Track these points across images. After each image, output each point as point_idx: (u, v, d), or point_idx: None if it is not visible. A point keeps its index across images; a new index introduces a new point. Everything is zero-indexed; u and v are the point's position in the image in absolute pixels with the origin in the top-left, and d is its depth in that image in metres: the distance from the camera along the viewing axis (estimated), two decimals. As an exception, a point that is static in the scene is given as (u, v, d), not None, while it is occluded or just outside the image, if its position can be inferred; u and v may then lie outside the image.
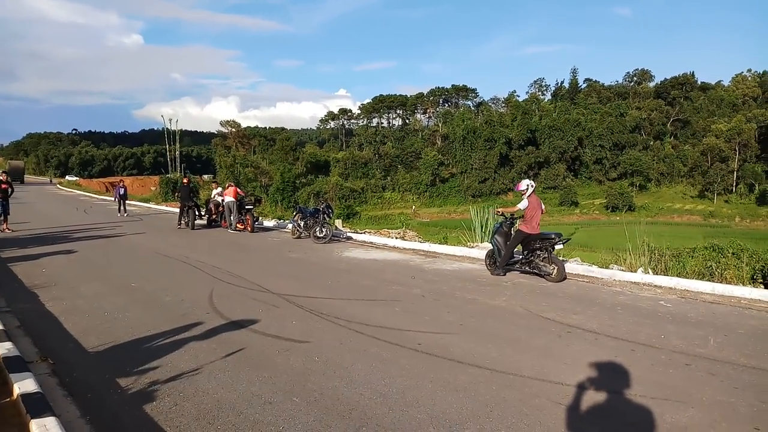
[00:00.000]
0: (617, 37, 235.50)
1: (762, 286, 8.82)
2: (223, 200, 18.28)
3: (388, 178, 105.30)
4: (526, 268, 9.63)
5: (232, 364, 5.20)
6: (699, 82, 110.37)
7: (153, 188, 57.79)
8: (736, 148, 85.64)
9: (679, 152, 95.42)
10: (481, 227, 14.09)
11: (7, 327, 6.15)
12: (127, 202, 26.26)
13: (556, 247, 9.35)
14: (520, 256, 9.74)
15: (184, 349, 5.64)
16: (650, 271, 9.81)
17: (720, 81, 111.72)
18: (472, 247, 12.88)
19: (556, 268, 9.24)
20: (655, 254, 10.55)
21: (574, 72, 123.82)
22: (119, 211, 24.67)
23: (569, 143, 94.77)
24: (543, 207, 9.77)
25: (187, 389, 4.60)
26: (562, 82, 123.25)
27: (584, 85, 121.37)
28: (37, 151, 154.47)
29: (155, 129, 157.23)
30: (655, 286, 8.91)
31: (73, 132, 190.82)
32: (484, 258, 10.61)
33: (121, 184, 26.46)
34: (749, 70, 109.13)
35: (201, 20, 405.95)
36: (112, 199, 29.90)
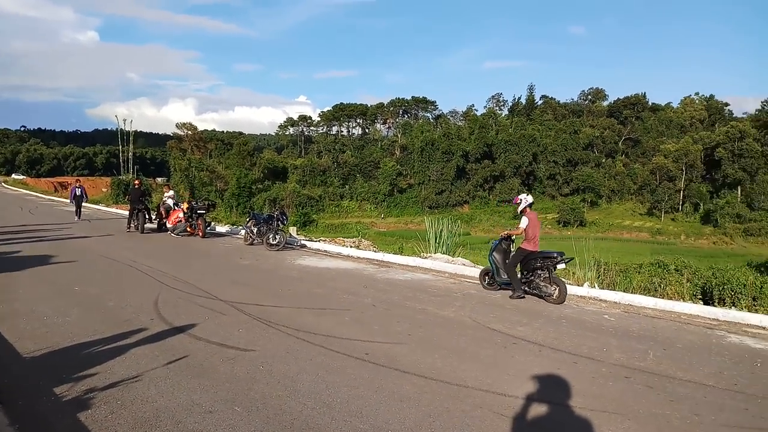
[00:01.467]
0: (573, 56, 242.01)
1: (701, 302, 9.18)
2: (174, 204, 17.95)
3: (347, 186, 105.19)
4: (526, 288, 9.16)
5: (174, 371, 5.09)
6: (650, 103, 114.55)
7: (104, 189, 56.25)
8: (683, 168, 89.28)
9: (629, 170, 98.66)
10: (435, 238, 14.20)
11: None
12: (75, 201, 22.92)
13: (558, 266, 8.96)
14: (520, 277, 9.29)
15: (125, 355, 5.49)
16: (596, 285, 10.09)
17: (669, 103, 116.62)
18: (425, 257, 12.99)
19: (557, 288, 8.79)
20: (602, 269, 10.86)
21: (531, 88, 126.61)
22: (76, 215, 22.30)
23: (524, 158, 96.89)
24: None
25: (125, 397, 4.48)
26: (519, 98, 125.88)
27: (540, 101, 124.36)
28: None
29: (109, 129, 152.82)
30: (601, 300, 9.16)
31: (22, 129, 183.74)
32: (479, 277, 10.16)
33: (77, 184, 23.39)
34: (697, 94, 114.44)
35: (160, 20, 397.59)
36: (68, 200, 28.05)
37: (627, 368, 5.66)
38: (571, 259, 9.21)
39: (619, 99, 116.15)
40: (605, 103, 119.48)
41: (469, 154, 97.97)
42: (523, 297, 9.06)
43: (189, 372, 5.09)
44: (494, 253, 9.64)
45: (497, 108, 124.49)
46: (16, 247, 13.28)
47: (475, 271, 11.06)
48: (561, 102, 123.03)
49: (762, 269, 19.29)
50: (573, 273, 11.01)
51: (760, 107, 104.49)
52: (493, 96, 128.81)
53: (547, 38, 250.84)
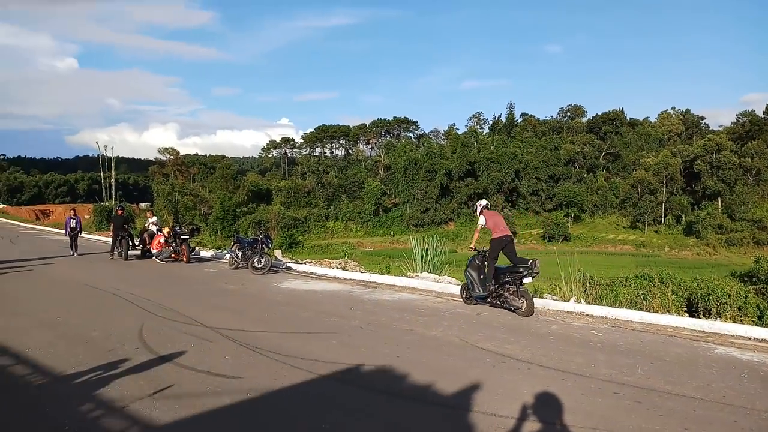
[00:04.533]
0: (550, 73, 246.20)
1: (686, 315, 9.25)
2: (157, 230, 17.81)
3: (332, 207, 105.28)
4: (497, 302, 9.48)
5: (161, 401, 5.01)
6: (628, 118, 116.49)
7: (87, 216, 55.62)
8: (664, 181, 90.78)
9: (611, 185, 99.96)
10: (422, 257, 14.20)
11: None
12: (72, 232, 19.63)
13: (524, 280, 9.15)
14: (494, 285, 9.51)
15: (109, 386, 5.40)
16: (583, 300, 10.14)
17: (647, 117, 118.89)
18: (412, 277, 12.98)
19: (524, 301, 9.01)
20: (588, 283, 10.91)
21: (511, 106, 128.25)
22: (71, 249, 19.27)
23: (507, 175, 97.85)
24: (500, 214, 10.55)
25: (111, 429, 4.40)
26: (500, 116, 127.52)
27: (520, 119, 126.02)
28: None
29: (90, 155, 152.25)
30: (587, 315, 9.19)
31: (1, 157, 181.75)
32: (459, 292, 10.43)
33: (72, 213, 20.67)
34: (673, 108, 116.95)
35: (139, 45, 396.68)
36: (50, 228, 25.24)
37: (616, 383, 5.66)
38: (538, 272, 9.32)
39: (597, 115, 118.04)
40: (584, 119, 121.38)
41: (452, 172, 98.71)
42: (487, 299, 9.58)
43: (175, 401, 5.01)
44: (469, 269, 9.95)
45: (478, 126, 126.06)
46: (-4, 278, 13.06)
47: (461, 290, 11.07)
48: (541, 119, 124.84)
49: (745, 279, 19.57)
50: (559, 288, 11.06)
51: (735, 120, 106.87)
52: (473, 115, 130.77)
53: (524, 57, 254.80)
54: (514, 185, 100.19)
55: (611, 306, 9.56)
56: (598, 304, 9.77)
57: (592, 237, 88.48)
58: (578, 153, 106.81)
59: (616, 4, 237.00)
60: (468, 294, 10.06)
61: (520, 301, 9.04)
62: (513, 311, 9.16)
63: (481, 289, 9.60)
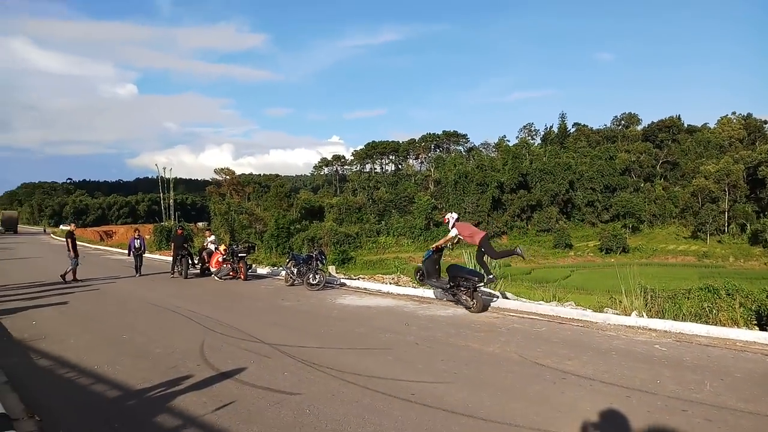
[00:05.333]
0: (602, 82, 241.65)
1: (756, 328, 8.80)
2: (216, 248, 18.29)
3: (383, 222, 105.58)
4: (450, 296, 11.32)
5: (223, 418, 5.12)
6: (686, 125, 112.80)
7: (147, 236, 57.67)
8: (726, 189, 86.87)
9: (669, 194, 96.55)
10: (475, 272, 14.03)
11: (-7, 383, 6.06)
12: (137, 252, 19.60)
13: (479, 288, 10.67)
14: (448, 283, 11.09)
15: (173, 402, 5.56)
16: (644, 314, 9.79)
17: (706, 123, 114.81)
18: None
19: (476, 302, 10.54)
20: (649, 296, 10.53)
21: (563, 116, 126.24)
22: (135, 269, 19.33)
23: (560, 186, 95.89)
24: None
25: (175, 445, 4.52)
26: (551, 127, 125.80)
27: (573, 129, 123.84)
28: (32, 201, 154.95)
29: (150, 177, 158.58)
30: (650, 329, 8.86)
31: (68, 181, 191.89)
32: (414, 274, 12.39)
33: (136, 234, 20.32)
34: (734, 113, 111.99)
35: (194, 70, 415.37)
36: (113, 248, 24.51)
37: (683, 401, 5.43)
38: (492, 280, 10.83)
39: (653, 122, 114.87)
40: (639, 128, 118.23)
41: (503, 184, 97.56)
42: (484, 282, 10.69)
43: (237, 418, 5.12)
44: (426, 262, 11.66)
45: (529, 137, 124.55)
46: (66, 297, 13.66)
47: (519, 305, 10.89)
48: (594, 128, 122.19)
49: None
50: (619, 302, 10.72)
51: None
52: (524, 126, 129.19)
53: (575, 66, 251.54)
54: (568, 196, 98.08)
55: (674, 320, 9.18)
56: (660, 318, 9.41)
57: (652, 248, 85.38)
58: (634, 162, 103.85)
59: (667, 8, 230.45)
60: (421, 277, 11.83)
61: (472, 302, 10.57)
62: (467, 309, 10.69)
63: (434, 279, 11.59)
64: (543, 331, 8.95)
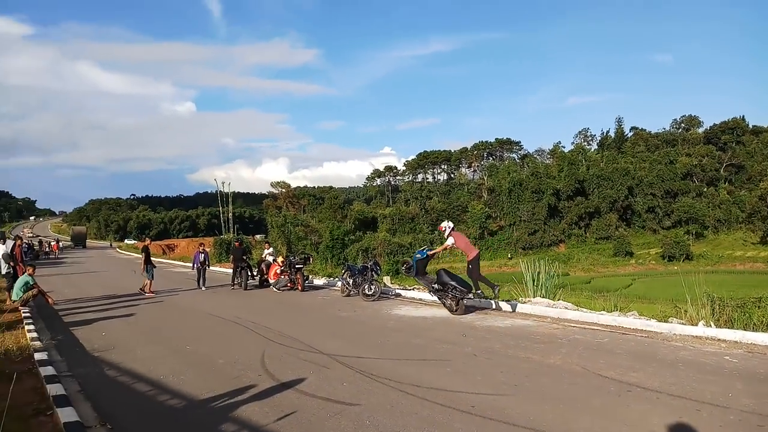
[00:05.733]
0: (661, 84, 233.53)
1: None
2: (273, 259, 18.67)
3: (436, 232, 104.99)
4: (435, 297, 12.49)
5: (285, 427, 5.20)
6: (750, 126, 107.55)
7: (207, 249, 59.36)
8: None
9: (735, 198, 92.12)
10: (533, 281, 13.77)
11: (68, 391, 6.35)
12: (200, 266, 19.80)
13: (463, 299, 11.78)
14: (436, 285, 12.13)
15: (236, 412, 5.68)
16: (712, 323, 9.35)
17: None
18: (524, 302, 12.61)
19: (459, 308, 11.73)
20: (717, 305, 10.06)
21: (620, 121, 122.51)
22: (199, 283, 19.52)
23: (619, 192, 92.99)
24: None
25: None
26: (608, 132, 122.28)
27: (630, 133, 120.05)
28: (98, 217, 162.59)
29: (209, 192, 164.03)
30: (719, 339, 8.46)
31: (132, 197, 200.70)
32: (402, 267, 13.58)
33: (201, 248, 20.56)
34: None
35: (250, 87, 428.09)
36: (190, 265, 24.05)
37: (759, 415, 5.14)
38: (478, 293, 12.16)
39: (715, 124, 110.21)
40: (701, 130, 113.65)
41: (560, 191, 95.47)
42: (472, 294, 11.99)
43: (298, 428, 5.18)
44: (418, 262, 12.94)
45: (585, 143, 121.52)
46: (132, 309, 14.20)
47: (580, 315, 10.63)
48: (652, 132, 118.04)
49: None
50: (685, 311, 10.28)
51: None
52: (580, 131, 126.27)
53: (632, 69, 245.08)
54: (627, 203, 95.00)
55: (745, 329, 8.73)
56: (729, 328, 8.96)
57: (717, 255, 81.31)
58: (696, 166, 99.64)
59: (728, 6, 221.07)
60: (408, 270, 13.29)
61: (456, 308, 11.74)
62: (450, 312, 11.81)
63: (421, 277, 13.01)
64: (605, 342, 8.69)
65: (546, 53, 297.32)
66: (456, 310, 11.70)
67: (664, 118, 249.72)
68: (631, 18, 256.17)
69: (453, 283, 11.74)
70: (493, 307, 12.30)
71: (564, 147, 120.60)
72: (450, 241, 12.33)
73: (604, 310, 11.25)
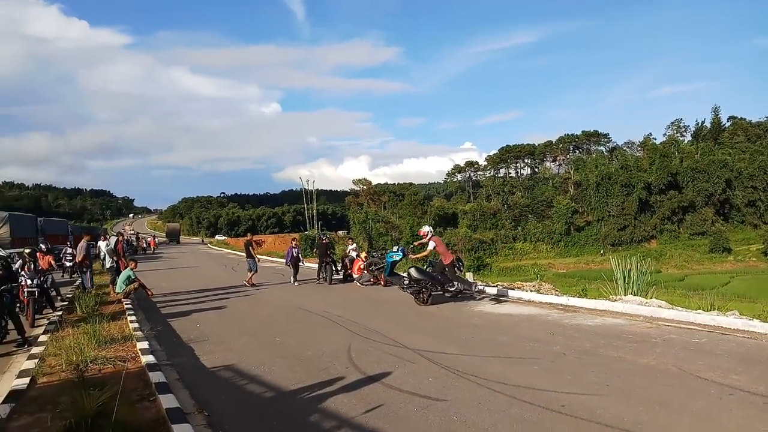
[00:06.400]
0: (762, 70, 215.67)
1: None
2: (357, 255, 18.97)
3: (519, 228, 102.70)
4: (407, 292, 13.09)
5: (372, 420, 5.27)
6: None
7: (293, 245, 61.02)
8: None
9: None
10: (624, 278, 13.18)
11: (168, 379, 6.75)
12: (293, 262, 19.80)
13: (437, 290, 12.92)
14: (407, 281, 13.04)
15: (325, 404, 5.82)
16: (830, 325, 8.59)
17: None
18: (615, 300, 12.11)
19: (429, 301, 12.76)
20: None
21: (716, 110, 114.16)
22: (292, 278, 19.62)
23: (716, 186, 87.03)
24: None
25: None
26: (703, 122, 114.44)
27: (728, 123, 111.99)
28: (191, 214, 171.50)
29: (294, 189, 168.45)
30: (836, 343, 7.78)
31: (221, 195, 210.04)
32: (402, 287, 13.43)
33: (294, 243, 20.73)
34: None
35: (332, 86, 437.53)
36: (283, 261, 23.72)
37: None
38: (460, 293, 13.30)
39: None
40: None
41: (651, 185, 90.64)
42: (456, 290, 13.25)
43: (386, 421, 5.24)
44: (391, 263, 15.31)
45: (678, 135, 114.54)
46: (224, 302, 14.85)
47: (675, 314, 10.06)
48: (753, 121, 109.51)
49: None
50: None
51: None
52: (672, 122, 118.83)
53: (729, 55, 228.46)
54: (725, 196, 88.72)
55: None
56: None
57: (824, 251, 74.45)
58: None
59: None
60: (380, 271, 16.73)
61: (429, 300, 12.73)
62: (420, 304, 12.71)
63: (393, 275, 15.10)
64: (703, 342, 8.18)
65: (634, 42, 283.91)
66: (427, 303, 12.71)
67: (767, 105, 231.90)
68: (725, 2, 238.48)
69: (424, 278, 12.75)
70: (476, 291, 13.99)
71: (655, 139, 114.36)
72: (431, 245, 13.44)
73: (700, 308, 10.60)
